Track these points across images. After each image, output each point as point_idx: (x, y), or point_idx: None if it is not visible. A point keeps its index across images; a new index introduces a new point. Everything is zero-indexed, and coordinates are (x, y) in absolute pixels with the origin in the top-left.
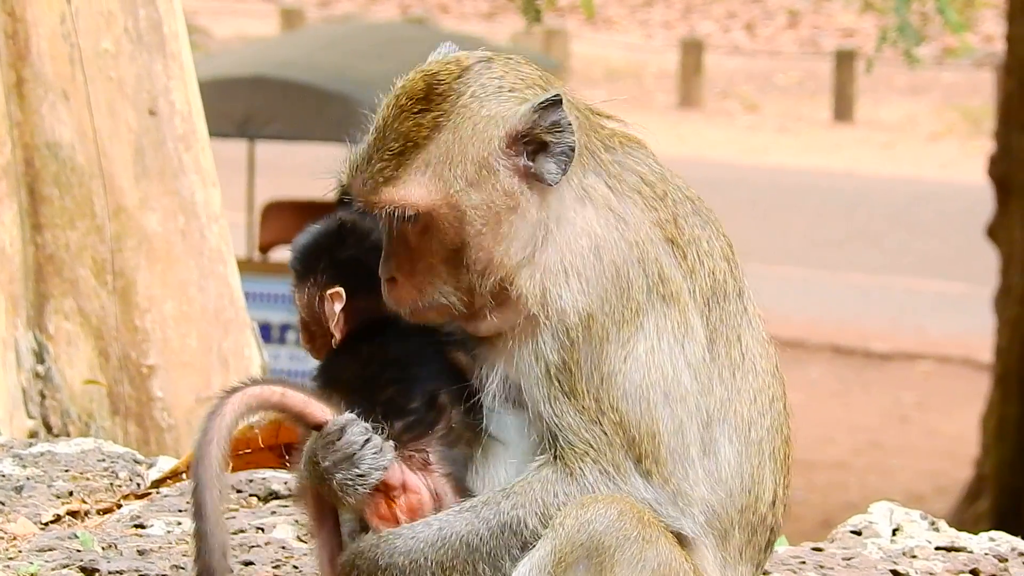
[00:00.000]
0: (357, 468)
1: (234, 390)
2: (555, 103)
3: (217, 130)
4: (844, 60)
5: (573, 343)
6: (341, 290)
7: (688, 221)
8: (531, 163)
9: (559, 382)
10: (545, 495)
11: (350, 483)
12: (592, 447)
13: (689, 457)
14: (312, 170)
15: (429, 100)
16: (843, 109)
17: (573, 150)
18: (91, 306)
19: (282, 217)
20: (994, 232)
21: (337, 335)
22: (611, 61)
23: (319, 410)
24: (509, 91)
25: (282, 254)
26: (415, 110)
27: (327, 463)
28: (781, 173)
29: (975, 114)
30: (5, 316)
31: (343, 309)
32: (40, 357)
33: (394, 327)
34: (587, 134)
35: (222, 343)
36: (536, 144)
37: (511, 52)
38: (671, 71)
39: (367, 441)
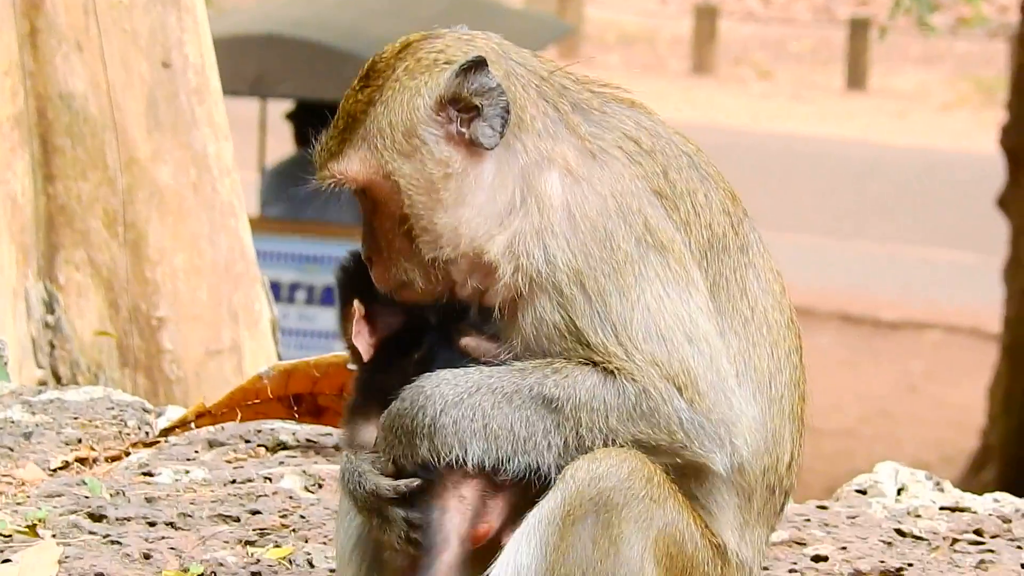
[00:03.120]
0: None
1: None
2: (479, 65)
3: (229, 88)
4: (858, 28)
5: (569, 300)
6: (356, 305)
7: (682, 175)
8: (465, 129)
9: (574, 338)
10: (581, 389)
11: None
12: (629, 372)
13: (729, 387)
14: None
15: (369, 76)
16: (856, 77)
17: (508, 110)
18: (102, 257)
19: None
20: (1005, 202)
21: (362, 348)
22: (625, 26)
23: None
24: (445, 62)
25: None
26: (358, 87)
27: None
28: (793, 141)
29: (988, 84)
30: (16, 266)
31: (367, 323)
32: (50, 307)
33: (429, 336)
34: (547, 99)
35: (232, 296)
36: (469, 109)
37: (524, 14)
38: (685, 37)
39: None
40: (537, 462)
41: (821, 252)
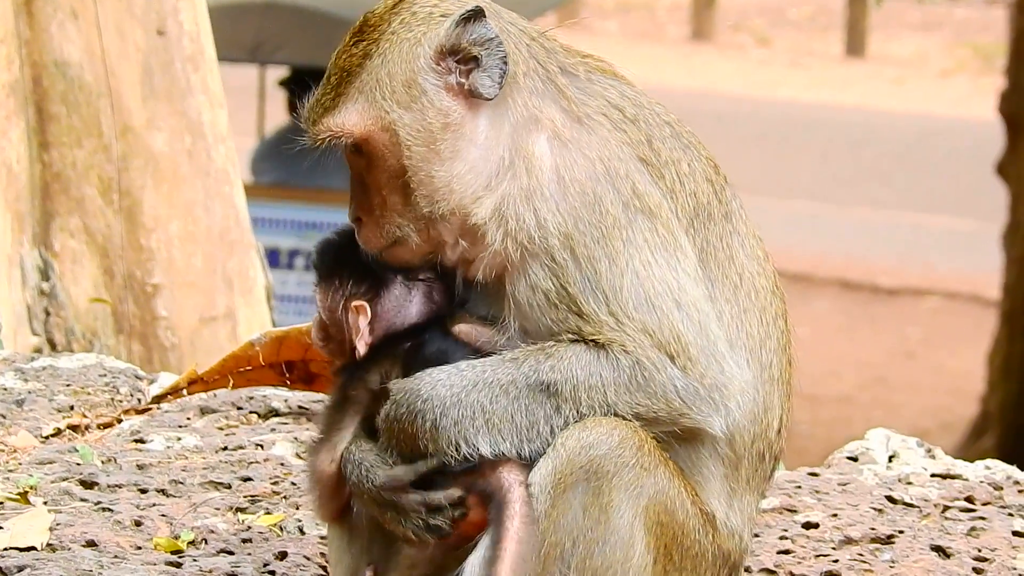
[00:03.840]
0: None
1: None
2: (478, 16)
3: (227, 55)
4: None
5: (561, 266)
6: (366, 304)
7: (666, 144)
8: (464, 80)
9: (565, 306)
10: (577, 369)
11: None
12: (620, 344)
13: (719, 352)
14: None
15: (362, 32)
16: (855, 44)
17: (506, 61)
18: (97, 224)
19: None
20: (1003, 169)
21: (361, 348)
22: None
23: None
24: (441, 15)
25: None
26: (351, 43)
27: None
28: (792, 107)
29: (987, 51)
30: (11, 233)
31: (368, 321)
32: (45, 275)
33: (423, 329)
34: (538, 59)
35: (227, 263)
36: (468, 60)
37: None
38: (683, 3)
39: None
40: (543, 448)
41: (819, 218)
